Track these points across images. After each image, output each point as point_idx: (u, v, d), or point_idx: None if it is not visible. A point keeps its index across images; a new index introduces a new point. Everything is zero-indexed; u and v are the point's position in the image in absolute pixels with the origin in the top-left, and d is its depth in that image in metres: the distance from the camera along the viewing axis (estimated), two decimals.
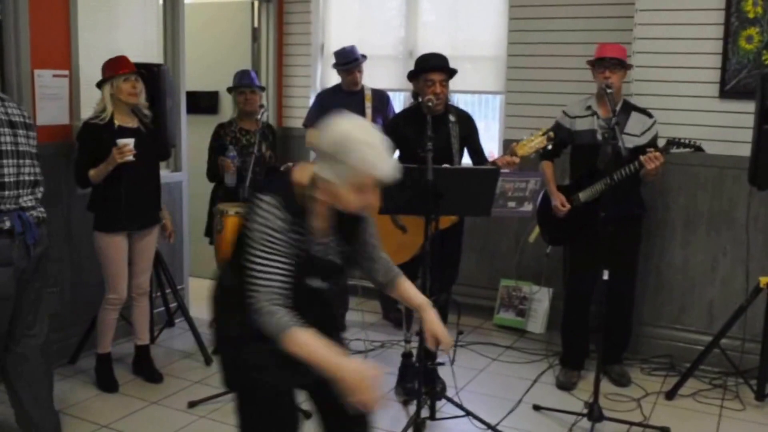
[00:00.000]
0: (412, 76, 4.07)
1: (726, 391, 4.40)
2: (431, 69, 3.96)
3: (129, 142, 3.97)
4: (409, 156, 3.96)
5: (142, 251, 4.37)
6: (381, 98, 5.42)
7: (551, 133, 3.94)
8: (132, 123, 4.19)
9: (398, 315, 5.55)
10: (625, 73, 4.33)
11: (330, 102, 5.31)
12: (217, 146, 4.91)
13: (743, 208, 4.56)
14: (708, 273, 4.76)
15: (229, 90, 5.03)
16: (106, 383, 4.31)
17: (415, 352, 4.41)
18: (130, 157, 3.97)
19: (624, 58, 4.23)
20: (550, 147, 4.07)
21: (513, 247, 5.60)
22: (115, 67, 4.09)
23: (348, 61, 5.24)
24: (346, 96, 5.32)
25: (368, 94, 5.36)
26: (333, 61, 6.33)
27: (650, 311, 4.93)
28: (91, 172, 4.08)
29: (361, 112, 5.26)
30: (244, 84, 4.93)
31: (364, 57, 5.34)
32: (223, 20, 6.34)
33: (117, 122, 4.12)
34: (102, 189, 4.15)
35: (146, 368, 4.48)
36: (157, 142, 4.35)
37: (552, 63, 5.31)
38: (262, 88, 5.12)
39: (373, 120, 5.28)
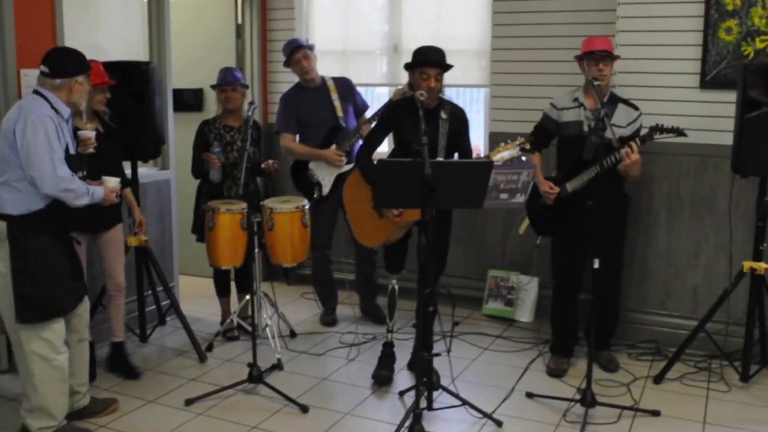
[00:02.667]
0: (408, 68, 4.12)
1: (711, 374, 4.51)
2: (427, 63, 4.01)
3: (91, 135, 3.94)
4: (400, 145, 4.01)
5: (107, 250, 4.33)
6: (345, 86, 5.28)
7: (527, 145, 3.98)
8: (91, 125, 4.16)
9: (375, 311, 5.55)
10: (612, 65, 4.41)
11: (295, 102, 5.24)
12: (202, 143, 4.94)
13: (724, 196, 4.67)
14: (691, 259, 4.87)
15: (213, 87, 5.04)
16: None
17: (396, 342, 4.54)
18: (92, 150, 3.94)
19: (611, 48, 4.32)
20: (524, 158, 4.07)
21: (500, 237, 5.68)
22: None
23: (291, 49, 5.14)
24: (310, 93, 5.21)
25: (331, 85, 5.23)
26: (317, 56, 6.36)
27: (636, 297, 5.03)
28: None
29: (329, 105, 5.17)
30: (224, 82, 4.94)
31: (310, 46, 5.23)
32: (207, 17, 6.34)
33: (75, 124, 4.03)
34: None
35: (122, 365, 4.46)
36: (116, 143, 4.30)
37: (536, 56, 5.37)
38: (245, 86, 5.10)
39: (344, 109, 5.20)
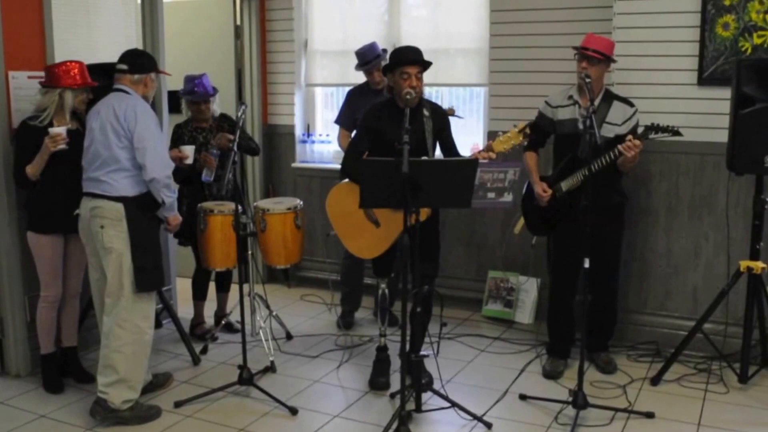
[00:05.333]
0: (387, 70, 4.09)
1: (710, 375, 4.43)
2: (407, 62, 3.98)
3: (61, 131, 3.99)
4: (383, 148, 3.97)
5: (74, 254, 4.28)
6: None
7: (527, 129, 3.99)
8: (71, 125, 4.17)
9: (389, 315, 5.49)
10: (608, 66, 4.35)
11: (358, 102, 5.17)
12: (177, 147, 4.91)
13: (724, 194, 4.59)
14: (691, 259, 4.79)
15: (182, 95, 5.08)
16: (52, 384, 4.29)
17: (390, 345, 4.51)
18: (63, 146, 3.98)
19: (606, 51, 4.24)
20: (525, 143, 4.17)
21: (500, 238, 5.62)
22: (74, 78, 4.08)
23: (367, 61, 5.12)
24: (375, 95, 5.11)
25: None
26: (317, 56, 6.34)
27: (635, 298, 4.96)
28: (28, 169, 4.06)
29: None
30: (197, 96, 4.96)
31: (384, 52, 5.17)
32: (205, 18, 6.34)
33: (56, 124, 4.09)
34: (39, 189, 4.14)
35: (75, 370, 4.43)
36: None
37: (534, 54, 5.32)
38: (216, 91, 5.09)
39: None
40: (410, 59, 3.99)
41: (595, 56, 4.20)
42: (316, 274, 6.25)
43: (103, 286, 3.94)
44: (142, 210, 3.92)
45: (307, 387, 4.38)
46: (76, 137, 4.07)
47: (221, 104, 5.23)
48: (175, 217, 4.09)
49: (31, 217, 4.21)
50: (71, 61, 4.12)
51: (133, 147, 3.83)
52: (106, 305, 3.92)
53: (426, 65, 4.04)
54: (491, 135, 5.52)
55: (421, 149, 4.01)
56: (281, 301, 5.94)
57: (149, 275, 3.93)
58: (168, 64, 5.27)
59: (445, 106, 5.75)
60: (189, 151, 4.60)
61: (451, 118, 5.07)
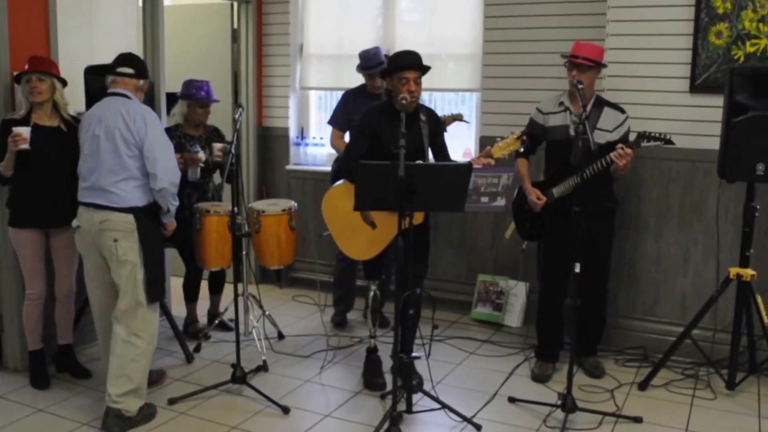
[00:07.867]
0: (385, 74, 4.12)
1: (698, 381, 4.48)
2: (406, 67, 4.01)
3: (22, 131, 3.93)
4: (380, 150, 4.00)
5: (59, 252, 4.27)
6: None
7: (524, 137, 4.08)
8: (52, 122, 4.15)
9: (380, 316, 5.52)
10: (599, 72, 4.39)
11: (354, 104, 5.16)
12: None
13: (714, 201, 4.64)
14: (680, 265, 4.84)
15: (179, 97, 5.03)
16: (37, 380, 4.30)
17: (380, 346, 4.54)
18: (25, 146, 3.92)
19: (596, 57, 4.27)
20: (522, 150, 4.25)
21: (490, 242, 5.66)
22: (22, 66, 4.07)
23: (371, 65, 5.11)
24: (371, 98, 5.10)
25: None
26: (312, 60, 6.36)
27: (624, 303, 5.01)
28: (0, 166, 4.05)
29: None
30: (197, 99, 4.94)
31: (386, 57, 5.13)
32: (203, 22, 6.37)
33: (34, 120, 4.08)
34: (16, 185, 4.13)
35: (72, 365, 4.46)
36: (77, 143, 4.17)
37: (527, 60, 5.36)
38: (216, 101, 5.09)
39: None
40: (409, 64, 4.02)
41: (585, 63, 4.23)
42: (307, 275, 6.28)
43: (104, 298, 3.91)
44: (149, 220, 3.88)
45: (299, 386, 4.41)
46: (57, 135, 4.10)
47: (219, 110, 5.24)
48: (171, 223, 4.05)
49: (10, 212, 4.20)
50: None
51: (143, 156, 3.75)
52: (120, 315, 3.82)
53: (425, 70, 4.07)
54: (483, 140, 5.59)
55: (419, 153, 4.05)
56: (273, 301, 5.96)
57: (159, 286, 3.95)
58: (166, 67, 5.30)
59: (441, 111, 5.81)
60: (200, 154, 4.67)
61: (459, 123, 5.16)
